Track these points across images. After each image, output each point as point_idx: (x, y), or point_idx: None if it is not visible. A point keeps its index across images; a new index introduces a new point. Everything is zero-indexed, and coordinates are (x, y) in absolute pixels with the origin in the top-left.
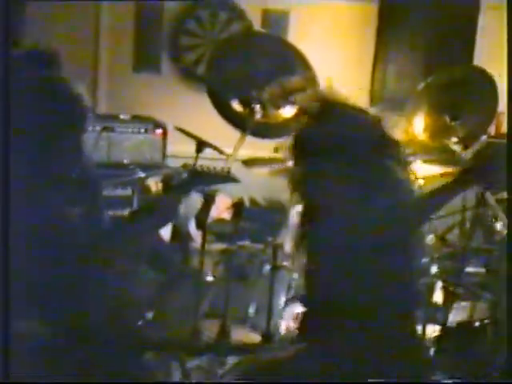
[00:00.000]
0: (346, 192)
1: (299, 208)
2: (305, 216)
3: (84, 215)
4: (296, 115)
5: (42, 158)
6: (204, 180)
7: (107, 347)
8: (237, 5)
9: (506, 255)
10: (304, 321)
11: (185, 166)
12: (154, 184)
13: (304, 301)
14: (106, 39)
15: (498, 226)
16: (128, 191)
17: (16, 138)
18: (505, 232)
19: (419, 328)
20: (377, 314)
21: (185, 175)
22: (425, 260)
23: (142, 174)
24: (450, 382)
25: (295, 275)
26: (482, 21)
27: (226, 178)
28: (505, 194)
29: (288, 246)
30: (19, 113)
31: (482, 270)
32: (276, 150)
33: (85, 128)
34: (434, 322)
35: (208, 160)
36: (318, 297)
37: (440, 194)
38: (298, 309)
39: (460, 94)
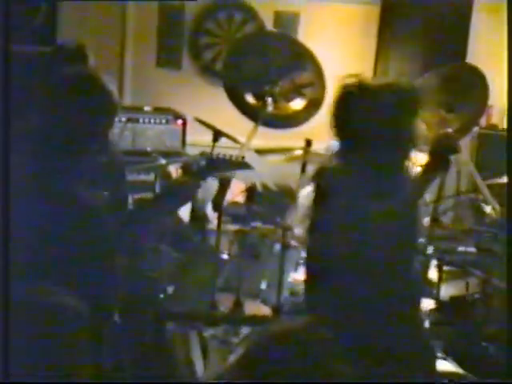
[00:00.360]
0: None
1: (305, 192)
2: (317, 200)
3: (110, 197)
4: (305, 107)
5: (74, 145)
6: (220, 167)
7: (132, 318)
8: (251, 6)
9: (506, 256)
10: (307, 294)
11: (202, 153)
12: (175, 170)
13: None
14: (131, 38)
15: (488, 209)
16: (151, 176)
17: (49, 127)
18: (493, 214)
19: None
20: (378, 290)
21: (203, 163)
22: (422, 241)
23: (163, 161)
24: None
25: (303, 254)
26: (474, 23)
27: (241, 164)
28: (495, 180)
29: (296, 227)
30: (54, 103)
31: (473, 249)
32: (307, 142)
33: (114, 120)
34: (430, 296)
35: (224, 148)
36: (321, 272)
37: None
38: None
39: (454, 88)
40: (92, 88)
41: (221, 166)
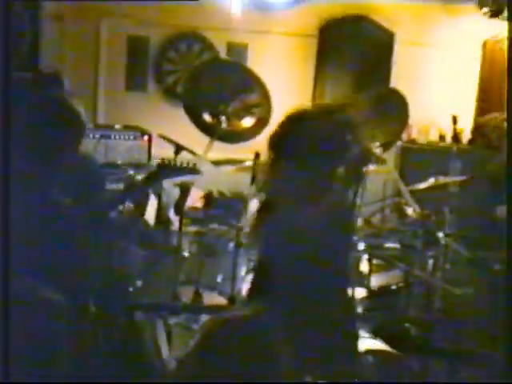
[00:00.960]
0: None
1: (257, 199)
2: (263, 208)
3: (86, 203)
4: (254, 124)
5: (49, 161)
6: (170, 172)
7: (106, 309)
8: (207, 38)
9: (506, 256)
10: (254, 287)
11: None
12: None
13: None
14: (103, 65)
15: (410, 210)
16: (121, 186)
17: (22, 145)
18: (414, 215)
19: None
20: (316, 282)
21: (157, 167)
22: (355, 238)
23: (131, 172)
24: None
25: (253, 251)
26: (396, 54)
27: (189, 170)
28: (415, 186)
29: (247, 228)
30: (25, 124)
31: (397, 245)
32: (256, 154)
33: (81, 135)
34: (362, 286)
35: (183, 161)
36: (267, 269)
37: None
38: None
39: (380, 109)
40: (61, 109)
41: (171, 172)
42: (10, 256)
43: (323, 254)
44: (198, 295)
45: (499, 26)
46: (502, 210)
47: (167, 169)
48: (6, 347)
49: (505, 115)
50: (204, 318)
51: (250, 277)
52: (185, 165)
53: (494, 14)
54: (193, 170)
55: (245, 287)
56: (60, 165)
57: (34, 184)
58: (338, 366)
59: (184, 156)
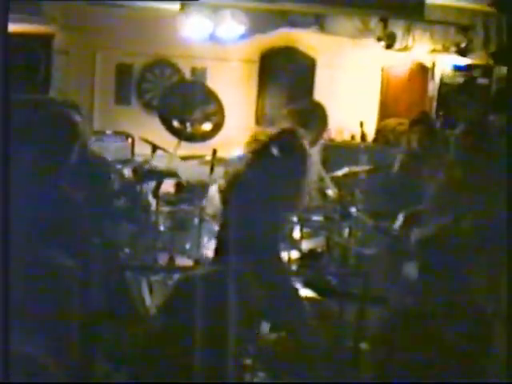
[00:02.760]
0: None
1: (216, 187)
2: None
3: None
4: (211, 129)
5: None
6: (154, 175)
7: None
8: (175, 64)
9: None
10: (218, 253)
11: (145, 161)
12: (127, 171)
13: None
14: (98, 85)
15: (330, 192)
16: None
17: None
18: (332, 195)
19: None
20: (260, 247)
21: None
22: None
23: (119, 166)
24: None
25: (215, 227)
26: (318, 74)
27: (171, 174)
28: (333, 174)
29: (209, 208)
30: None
31: (321, 218)
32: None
33: (80, 139)
34: (295, 249)
35: (159, 157)
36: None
37: None
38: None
39: (307, 115)
40: (62, 120)
41: (154, 175)
42: (9, 257)
43: (265, 227)
44: (171, 259)
45: (392, 56)
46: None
47: (152, 173)
48: (6, 347)
49: (399, 121)
50: (176, 276)
51: (211, 244)
52: (167, 169)
53: (389, 46)
54: (171, 174)
55: (208, 252)
56: (69, 162)
57: (46, 177)
58: (283, 312)
59: (158, 153)
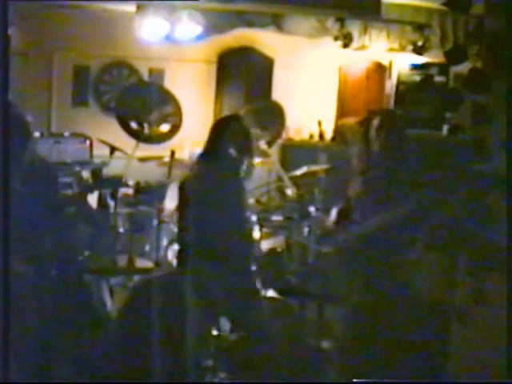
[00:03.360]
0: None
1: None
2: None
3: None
4: (169, 130)
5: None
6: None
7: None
8: (133, 65)
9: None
10: (179, 255)
11: (103, 163)
12: (85, 173)
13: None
14: (55, 87)
15: (289, 191)
16: (70, 179)
17: None
18: (292, 195)
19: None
20: (226, 248)
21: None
22: (248, 214)
23: (78, 168)
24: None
25: (173, 228)
26: (275, 74)
27: (120, 183)
28: (293, 173)
29: (167, 208)
30: None
31: (280, 217)
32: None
33: (28, 138)
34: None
35: (117, 158)
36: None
37: None
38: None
39: (265, 115)
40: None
41: (106, 183)
42: (9, 257)
43: (227, 228)
44: (131, 261)
45: (350, 55)
46: None
47: (105, 181)
48: (5, 347)
49: (357, 119)
50: (136, 278)
51: (171, 246)
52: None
53: (346, 45)
54: (123, 184)
55: (167, 254)
56: (19, 160)
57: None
58: (244, 311)
59: (116, 155)
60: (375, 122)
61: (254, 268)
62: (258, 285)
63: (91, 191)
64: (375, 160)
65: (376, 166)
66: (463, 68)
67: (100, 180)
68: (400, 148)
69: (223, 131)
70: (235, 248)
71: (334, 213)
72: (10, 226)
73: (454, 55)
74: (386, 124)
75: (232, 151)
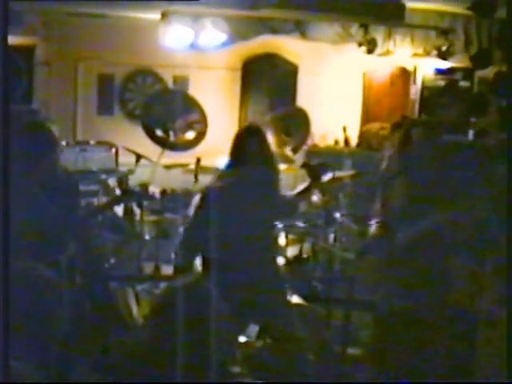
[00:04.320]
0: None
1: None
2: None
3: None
4: (194, 137)
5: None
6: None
7: (88, 281)
8: (157, 73)
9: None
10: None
11: (129, 171)
12: (111, 181)
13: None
14: (81, 96)
15: (314, 198)
16: (96, 186)
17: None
18: (318, 202)
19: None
20: (251, 257)
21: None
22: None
23: (103, 176)
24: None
25: None
26: (300, 81)
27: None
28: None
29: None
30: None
31: (306, 224)
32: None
33: (54, 148)
34: (281, 255)
35: (142, 166)
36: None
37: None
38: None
39: (290, 122)
40: (35, 129)
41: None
42: (9, 259)
43: (256, 234)
44: (157, 268)
45: (374, 60)
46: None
47: (128, 195)
48: (6, 347)
49: (382, 125)
50: (162, 284)
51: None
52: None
53: (370, 51)
54: (149, 197)
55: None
56: (40, 171)
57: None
58: (272, 317)
59: (143, 162)
60: (413, 129)
61: (280, 274)
62: (285, 291)
63: (117, 203)
64: (410, 165)
65: (412, 171)
66: (488, 72)
67: (127, 192)
68: (435, 155)
69: (244, 141)
70: (261, 255)
71: (373, 222)
72: (10, 226)
73: (480, 59)
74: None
75: (253, 161)
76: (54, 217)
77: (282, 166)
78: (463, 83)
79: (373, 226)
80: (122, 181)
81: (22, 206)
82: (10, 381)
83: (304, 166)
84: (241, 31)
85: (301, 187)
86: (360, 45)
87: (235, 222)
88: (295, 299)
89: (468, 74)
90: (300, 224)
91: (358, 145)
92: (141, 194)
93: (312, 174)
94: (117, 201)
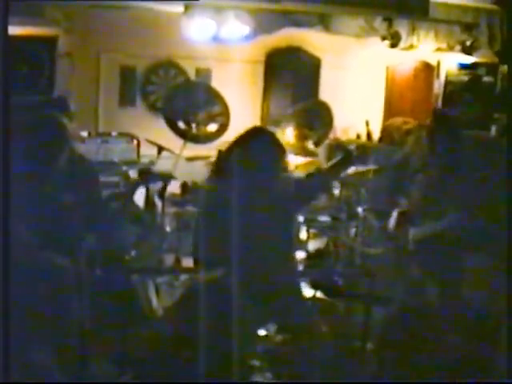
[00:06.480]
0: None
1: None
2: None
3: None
4: (217, 130)
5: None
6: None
7: (109, 273)
8: (180, 65)
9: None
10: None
11: (151, 163)
12: (132, 173)
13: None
14: (102, 87)
15: (336, 191)
16: (117, 178)
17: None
18: (338, 196)
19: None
20: (269, 250)
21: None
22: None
23: (125, 168)
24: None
25: None
26: (323, 74)
27: (169, 176)
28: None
29: None
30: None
31: (327, 218)
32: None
33: (70, 143)
34: (302, 249)
35: (164, 158)
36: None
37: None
38: None
39: (312, 115)
40: (41, 121)
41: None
42: (9, 260)
43: (275, 228)
44: (177, 260)
45: (397, 54)
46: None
47: (151, 175)
48: (6, 347)
49: (404, 119)
50: (183, 277)
51: None
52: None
53: (393, 45)
54: (169, 176)
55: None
56: (54, 166)
57: (35, 181)
58: (290, 312)
59: (164, 154)
60: (432, 124)
61: (300, 268)
62: (304, 286)
63: (136, 187)
64: (434, 161)
65: (434, 167)
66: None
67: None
68: (456, 149)
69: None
70: (281, 250)
71: (394, 215)
72: (10, 226)
73: (505, 54)
74: (443, 126)
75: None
76: (73, 207)
77: (305, 159)
78: (486, 78)
79: (393, 218)
80: (144, 172)
81: (38, 198)
82: (10, 381)
83: (339, 146)
84: (264, 24)
85: (333, 160)
86: (383, 39)
87: (250, 217)
88: (315, 294)
89: (492, 69)
90: (322, 218)
91: (381, 139)
92: (160, 178)
93: (345, 149)
94: (137, 185)
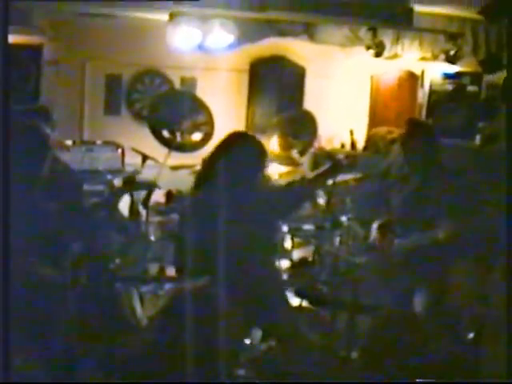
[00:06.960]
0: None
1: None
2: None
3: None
4: (201, 138)
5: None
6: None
7: (93, 281)
8: (165, 74)
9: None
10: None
11: (136, 171)
12: (117, 182)
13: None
14: (88, 96)
15: (320, 200)
16: (101, 187)
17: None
18: (323, 205)
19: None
20: (250, 260)
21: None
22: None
23: (109, 177)
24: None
25: None
26: (307, 83)
27: (153, 184)
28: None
29: None
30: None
31: (312, 226)
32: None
33: (52, 152)
34: (286, 258)
35: (149, 167)
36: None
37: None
38: None
39: (297, 124)
40: (22, 130)
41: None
42: (9, 260)
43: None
44: (162, 269)
45: (382, 64)
46: None
47: (136, 184)
48: (6, 347)
49: (389, 129)
50: (167, 286)
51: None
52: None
53: (378, 54)
54: (153, 185)
55: None
56: (36, 175)
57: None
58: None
59: (150, 163)
60: (408, 133)
61: (284, 277)
62: (289, 294)
63: (121, 196)
64: (413, 171)
65: (414, 177)
66: (496, 77)
67: (130, 185)
68: (434, 159)
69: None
70: (265, 259)
71: (375, 226)
72: (10, 226)
73: (489, 64)
74: (418, 135)
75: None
76: (56, 216)
77: (289, 169)
78: (471, 88)
79: (375, 230)
80: (128, 180)
81: (21, 207)
82: (10, 381)
83: (328, 156)
84: (249, 33)
85: (321, 169)
86: (368, 48)
87: (233, 227)
88: (300, 303)
89: (476, 78)
90: (306, 227)
91: (365, 148)
92: (143, 186)
93: (333, 159)
94: (120, 193)
